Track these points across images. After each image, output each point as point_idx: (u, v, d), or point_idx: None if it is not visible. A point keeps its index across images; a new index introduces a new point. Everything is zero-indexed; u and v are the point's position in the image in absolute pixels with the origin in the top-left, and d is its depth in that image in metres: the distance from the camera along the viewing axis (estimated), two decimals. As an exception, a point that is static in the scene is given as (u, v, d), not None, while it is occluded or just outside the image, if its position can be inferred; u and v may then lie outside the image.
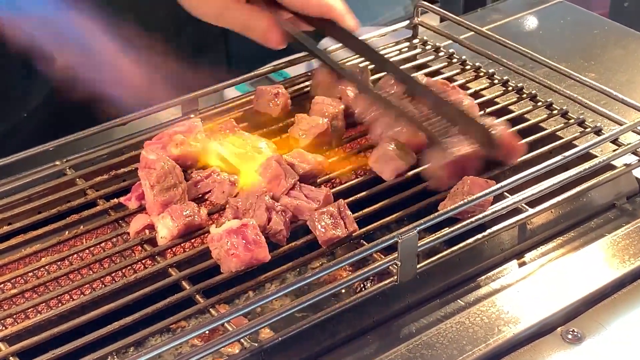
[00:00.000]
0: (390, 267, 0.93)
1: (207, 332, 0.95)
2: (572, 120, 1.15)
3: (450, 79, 1.23)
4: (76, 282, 0.94)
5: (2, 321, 0.91)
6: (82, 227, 1.01)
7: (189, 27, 2.34)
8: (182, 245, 1.01)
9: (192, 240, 1.01)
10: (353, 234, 0.97)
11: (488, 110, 1.17)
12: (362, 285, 1.05)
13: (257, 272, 0.94)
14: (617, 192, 1.10)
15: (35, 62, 1.20)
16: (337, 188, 1.04)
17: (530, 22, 1.49)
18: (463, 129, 0.99)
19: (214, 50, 2.45)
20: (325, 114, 1.11)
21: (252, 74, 1.28)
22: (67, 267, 0.96)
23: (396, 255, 0.92)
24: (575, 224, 1.07)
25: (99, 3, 1.25)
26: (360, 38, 1.11)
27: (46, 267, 0.97)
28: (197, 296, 0.91)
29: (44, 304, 0.94)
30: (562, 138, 1.12)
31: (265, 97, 1.17)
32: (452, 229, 0.95)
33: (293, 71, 1.40)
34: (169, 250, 0.99)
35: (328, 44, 1.42)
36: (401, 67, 1.21)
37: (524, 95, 1.20)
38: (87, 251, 0.99)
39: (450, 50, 1.29)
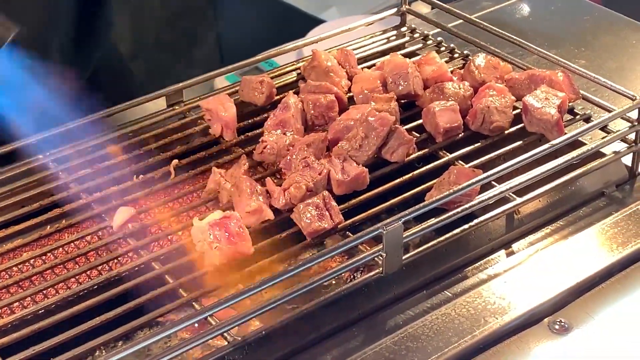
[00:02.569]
0: (375, 258, 0.92)
1: (196, 324, 0.94)
2: (561, 108, 1.14)
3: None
4: (61, 276, 0.93)
5: (-15, 317, 0.90)
6: (64, 221, 1.00)
7: (181, 18, 2.33)
8: (169, 237, 1.00)
9: (180, 233, 1.00)
10: (339, 226, 0.96)
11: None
12: (352, 277, 1.04)
13: (245, 262, 0.93)
14: (606, 180, 1.09)
15: None
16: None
17: (521, 8, 1.48)
18: None
19: (205, 41, 2.44)
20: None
21: (240, 63, 1.27)
22: (52, 260, 0.95)
23: (381, 246, 0.91)
24: (563, 213, 1.06)
25: None
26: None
27: (31, 262, 0.97)
28: (181, 290, 0.90)
29: (29, 299, 0.94)
30: (551, 126, 1.11)
31: (249, 87, 1.16)
32: (438, 219, 0.94)
33: (282, 60, 1.39)
34: (154, 243, 0.98)
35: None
36: (389, 55, 1.21)
37: (513, 83, 1.19)
38: (72, 245, 0.99)
39: (439, 39, 1.28)
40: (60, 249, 0.98)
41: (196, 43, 2.45)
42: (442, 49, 1.27)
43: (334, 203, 0.97)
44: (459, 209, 0.96)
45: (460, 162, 1.05)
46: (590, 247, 1.00)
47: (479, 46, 1.24)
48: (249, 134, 1.11)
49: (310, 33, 1.88)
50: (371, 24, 1.31)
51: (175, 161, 1.07)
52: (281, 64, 1.31)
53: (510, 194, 1.00)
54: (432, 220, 0.94)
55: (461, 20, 1.30)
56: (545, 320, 0.91)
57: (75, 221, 1.00)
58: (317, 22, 2.24)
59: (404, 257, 0.93)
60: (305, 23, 2.14)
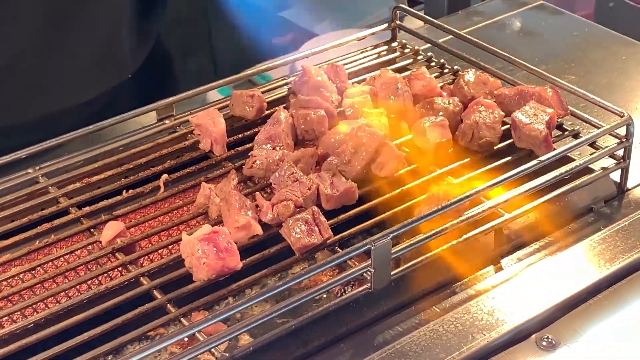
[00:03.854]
0: (364, 274, 0.92)
1: (185, 339, 0.94)
2: (550, 124, 1.14)
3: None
4: (51, 290, 0.94)
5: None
6: (53, 236, 1.00)
7: (176, 30, 2.34)
8: (159, 252, 1.00)
9: (170, 247, 1.00)
10: (328, 241, 0.96)
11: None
12: (342, 291, 1.04)
13: (235, 278, 0.93)
14: (594, 196, 1.09)
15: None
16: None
17: (512, 24, 1.48)
18: None
19: (199, 54, 2.45)
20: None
21: (234, 77, 1.27)
22: (41, 274, 0.96)
23: (370, 262, 0.91)
24: (552, 229, 1.06)
25: None
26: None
27: (20, 276, 0.97)
28: (169, 305, 0.90)
29: (19, 313, 0.94)
30: (540, 141, 1.11)
31: (240, 101, 1.16)
32: (426, 235, 0.94)
33: (276, 74, 1.39)
34: (143, 258, 0.98)
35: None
36: (379, 70, 1.21)
37: (502, 98, 1.19)
38: (61, 259, 0.99)
39: (429, 54, 1.29)
40: (50, 263, 0.98)
41: (191, 54, 2.46)
42: (433, 64, 1.28)
43: (323, 218, 0.97)
44: (448, 224, 0.96)
45: (449, 177, 1.06)
46: (578, 263, 1.00)
47: (469, 61, 1.25)
48: (239, 148, 1.12)
49: (303, 46, 1.89)
50: (362, 38, 1.32)
51: (164, 176, 1.07)
52: (274, 77, 1.31)
53: (499, 209, 1.00)
54: (421, 236, 0.94)
55: (452, 36, 1.31)
56: (533, 336, 0.91)
57: (64, 236, 1.00)
58: (310, 35, 2.25)
59: (392, 273, 0.93)
60: (299, 36, 2.14)
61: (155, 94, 1.20)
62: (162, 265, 0.95)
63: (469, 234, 0.98)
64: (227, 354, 0.87)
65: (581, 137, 1.10)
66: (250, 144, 1.11)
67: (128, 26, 1.39)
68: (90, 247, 1.00)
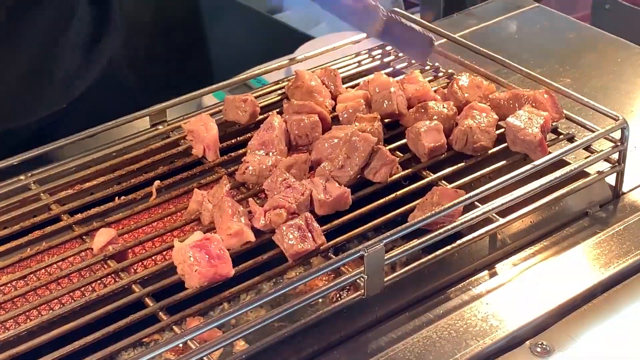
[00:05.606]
0: (357, 280, 0.91)
1: (180, 345, 0.94)
2: (545, 127, 1.14)
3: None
4: (44, 298, 0.93)
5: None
6: (44, 243, 1.00)
7: (172, 33, 2.33)
8: (153, 258, 0.99)
9: (164, 253, 1.00)
10: (321, 247, 0.96)
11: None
12: (338, 296, 1.04)
13: (230, 284, 0.93)
14: (590, 200, 1.09)
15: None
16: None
17: (507, 26, 1.48)
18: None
19: (196, 56, 2.45)
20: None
21: (229, 81, 1.27)
22: (34, 282, 0.95)
23: (363, 268, 0.90)
24: (547, 233, 1.05)
25: None
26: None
27: (13, 284, 0.96)
28: (161, 313, 0.90)
29: (11, 321, 0.93)
30: (534, 145, 1.11)
31: (233, 105, 1.15)
32: (420, 240, 0.94)
33: (271, 77, 1.39)
34: (136, 264, 0.98)
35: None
36: (373, 74, 1.21)
37: (498, 102, 1.19)
38: (54, 266, 0.98)
39: (424, 57, 1.28)
40: (43, 270, 0.98)
41: (187, 58, 2.46)
42: (427, 67, 1.27)
43: (316, 224, 0.96)
44: (441, 230, 0.95)
45: (443, 182, 1.05)
46: (573, 268, 1.00)
47: (463, 65, 1.24)
48: (232, 154, 1.11)
49: (298, 50, 1.89)
50: (357, 42, 1.31)
51: (157, 182, 1.07)
52: (270, 81, 1.31)
53: (494, 214, 1.00)
54: (415, 242, 0.94)
55: (446, 39, 1.30)
56: (527, 342, 0.90)
57: (56, 243, 0.99)
58: (306, 38, 2.24)
59: (386, 279, 0.93)
60: (295, 39, 2.14)
61: (149, 99, 1.19)
62: (155, 273, 0.95)
63: (464, 239, 0.98)
64: (220, 363, 0.86)
65: (576, 140, 1.10)
66: (243, 150, 1.10)
67: (70, 45, 1.35)
68: (83, 253, 0.99)
